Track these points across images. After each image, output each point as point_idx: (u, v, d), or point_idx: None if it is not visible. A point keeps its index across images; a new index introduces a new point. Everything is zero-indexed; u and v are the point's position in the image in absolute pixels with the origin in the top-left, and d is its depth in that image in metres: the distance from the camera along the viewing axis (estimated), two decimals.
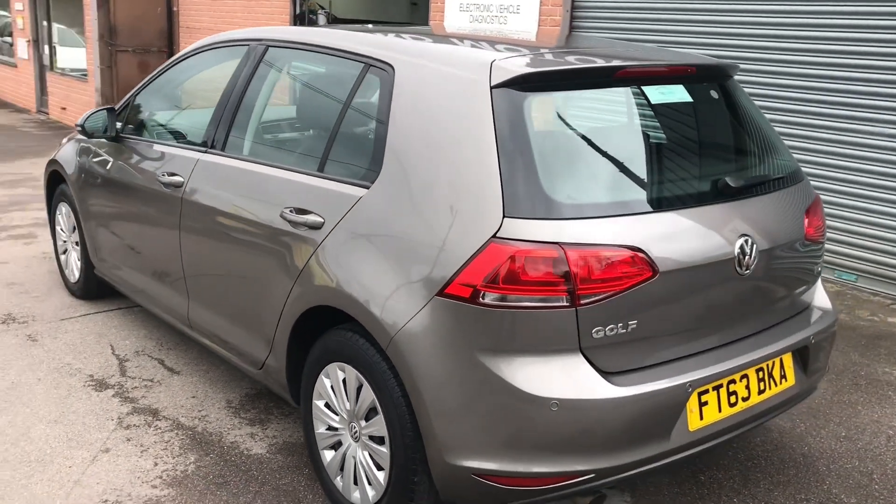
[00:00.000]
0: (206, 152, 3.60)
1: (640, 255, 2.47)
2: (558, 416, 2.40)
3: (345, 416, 2.90)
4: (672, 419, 2.56)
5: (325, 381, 2.95)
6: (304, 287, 2.94)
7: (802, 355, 3.00)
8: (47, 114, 14.79)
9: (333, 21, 11.58)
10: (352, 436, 2.89)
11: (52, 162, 5.03)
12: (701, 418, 2.65)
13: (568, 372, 2.43)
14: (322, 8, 11.30)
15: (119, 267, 4.43)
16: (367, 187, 2.79)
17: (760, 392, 2.84)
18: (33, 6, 15.12)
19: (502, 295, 2.39)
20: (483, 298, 2.40)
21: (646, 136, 2.91)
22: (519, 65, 2.62)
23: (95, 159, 4.49)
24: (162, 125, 4.17)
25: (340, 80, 3.14)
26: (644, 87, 2.85)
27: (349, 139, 3.00)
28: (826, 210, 5.88)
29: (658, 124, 2.88)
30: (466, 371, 2.45)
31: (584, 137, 2.69)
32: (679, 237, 2.58)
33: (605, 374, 2.48)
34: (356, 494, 2.89)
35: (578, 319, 2.41)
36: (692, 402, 2.62)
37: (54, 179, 5.09)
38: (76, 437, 3.50)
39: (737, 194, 2.76)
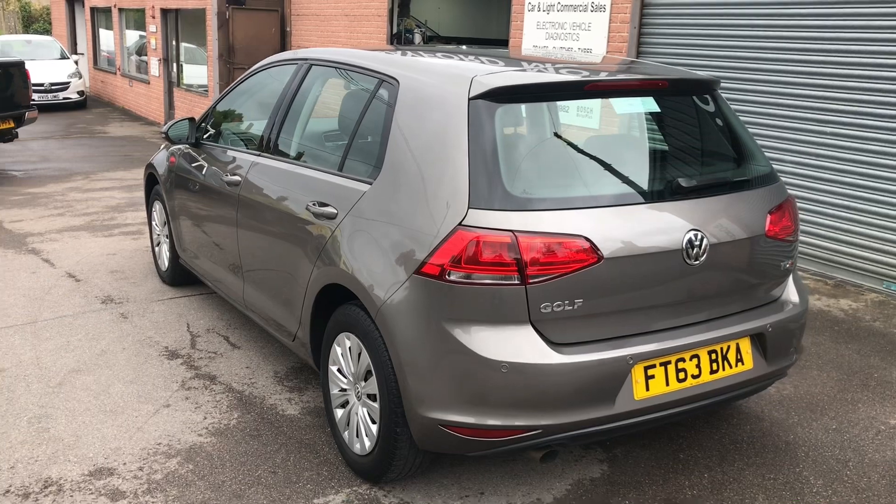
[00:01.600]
0: (258, 155, 4.21)
1: (586, 243, 2.86)
2: (507, 377, 2.83)
3: (350, 379, 3.41)
4: (615, 387, 2.94)
5: (336, 349, 3.47)
6: (321, 269, 3.47)
7: (761, 342, 3.30)
8: None
9: (429, 40, 12.20)
10: (355, 395, 3.39)
11: (149, 166, 5.80)
12: (647, 389, 3.01)
13: (518, 340, 2.85)
14: (418, 27, 11.95)
15: (196, 256, 5.10)
16: (371, 183, 3.30)
17: (713, 372, 3.16)
18: (165, 28, 16.50)
19: (464, 273, 2.84)
20: (449, 276, 2.85)
21: (603, 142, 3.29)
22: (496, 80, 3.07)
23: (181, 163, 5.20)
24: (231, 132, 4.82)
25: (361, 92, 3.67)
26: (612, 99, 3.23)
27: (363, 142, 3.51)
28: (876, 222, 5.99)
29: (619, 132, 3.26)
30: (434, 337, 2.91)
31: (545, 142, 3.12)
32: (625, 229, 2.95)
33: (554, 344, 2.89)
34: (357, 445, 3.38)
35: (528, 296, 2.83)
36: (638, 374, 2.99)
37: (150, 181, 5.86)
38: (145, 395, 4.15)
39: (689, 193, 3.11)
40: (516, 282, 2.82)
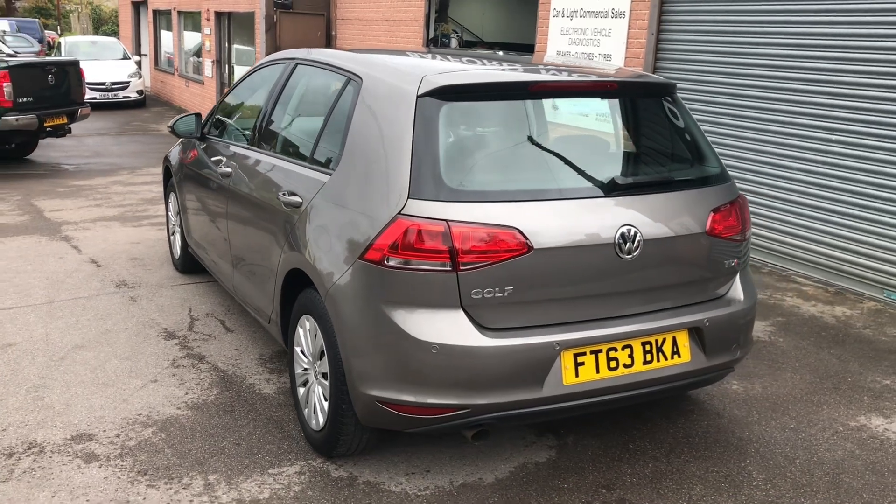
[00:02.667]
0: (247, 149, 4.47)
1: (517, 234, 3.03)
2: (437, 357, 3.01)
3: (310, 359, 3.63)
4: (542, 372, 3.09)
5: (300, 331, 3.69)
6: (287, 254, 3.70)
7: (699, 336, 3.41)
8: None
9: (467, 45, 12.39)
10: (313, 374, 3.60)
11: (165, 159, 6.13)
12: (576, 375, 3.16)
13: (448, 323, 3.03)
14: (455, 32, 12.16)
15: (200, 245, 5.39)
16: (331, 174, 3.52)
17: (647, 362, 3.29)
18: (218, 30, 17.06)
19: (401, 259, 3.03)
20: (388, 262, 3.05)
21: (545, 140, 3.45)
22: (444, 79, 3.26)
23: (189, 156, 5.51)
24: (228, 127, 5.10)
25: (333, 89, 3.89)
26: (557, 100, 3.39)
27: (329, 135, 3.73)
28: (880, 231, 5.98)
29: (559, 130, 3.41)
30: (374, 319, 3.10)
31: (488, 138, 3.29)
32: (557, 222, 3.10)
33: (484, 328, 3.06)
34: (313, 421, 3.60)
35: (459, 282, 3.01)
36: (567, 361, 3.14)
37: (167, 174, 6.19)
38: (136, 370, 4.44)
39: (626, 190, 3.24)
40: (448, 268, 2.99)
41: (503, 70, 3.55)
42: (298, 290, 3.73)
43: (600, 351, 3.21)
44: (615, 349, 3.23)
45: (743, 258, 3.63)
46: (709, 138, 7.31)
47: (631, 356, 3.26)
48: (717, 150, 7.16)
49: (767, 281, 6.44)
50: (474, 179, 3.16)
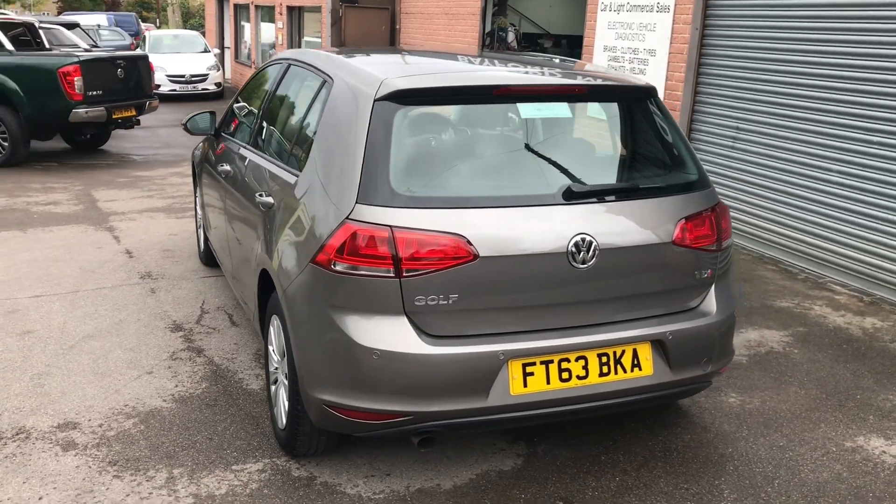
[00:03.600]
0: (244, 147, 4.54)
1: (462, 241, 2.99)
2: (379, 363, 3.00)
3: (278, 357, 3.67)
4: (487, 381, 3.04)
5: (271, 330, 3.74)
6: (259, 255, 3.75)
7: (663, 349, 3.30)
8: None
9: (525, 38, 12.27)
10: (281, 373, 3.64)
11: (192, 155, 6.28)
12: (525, 386, 3.10)
13: (391, 329, 3.01)
14: (512, 25, 12.06)
15: (211, 238, 5.52)
16: (298, 176, 3.54)
17: (603, 375, 3.20)
18: (290, 24, 17.38)
19: (347, 264, 3.03)
20: (335, 266, 3.05)
21: (502, 145, 3.38)
22: (403, 82, 3.23)
23: (206, 152, 5.64)
24: (235, 125, 5.19)
25: (312, 90, 3.91)
26: (521, 104, 3.32)
27: (303, 137, 3.75)
28: None
29: (519, 136, 3.35)
30: (320, 322, 3.11)
31: (442, 143, 3.25)
32: (506, 230, 3.04)
33: (428, 335, 3.03)
34: (279, 420, 3.64)
35: (402, 289, 2.99)
36: (514, 371, 3.08)
37: (194, 168, 6.35)
38: (136, 362, 4.58)
39: (583, 198, 3.16)
40: (391, 275, 2.98)
41: (470, 73, 3.50)
42: (271, 289, 3.78)
43: (551, 362, 3.14)
44: (568, 360, 3.16)
45: (722, 268, 3.49)
46: (748, 136, 7.08)
47: (585, 368, 3.18)
48: (756, 149, 6.96)
49: (799, 288, 6.18)
50: (423, 185, 3.13)
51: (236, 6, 22.62)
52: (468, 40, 12.02)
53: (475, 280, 3.02)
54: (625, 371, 3.24)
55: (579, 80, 3.45)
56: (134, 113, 12.19)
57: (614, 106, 3.52)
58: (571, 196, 3.15)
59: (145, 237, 7.24)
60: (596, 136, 3.51)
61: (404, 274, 2.97)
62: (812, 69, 6.50)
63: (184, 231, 7.46)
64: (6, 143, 11.03)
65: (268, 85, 4.58)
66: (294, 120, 3.99)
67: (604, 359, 3.21)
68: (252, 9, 20.30)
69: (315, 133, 3.52)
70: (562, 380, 3.15)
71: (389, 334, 3.01)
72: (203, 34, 27.73)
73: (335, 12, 14.59)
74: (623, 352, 3.24)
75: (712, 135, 7.64)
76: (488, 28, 11.91)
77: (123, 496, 3.33)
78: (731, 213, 7.42)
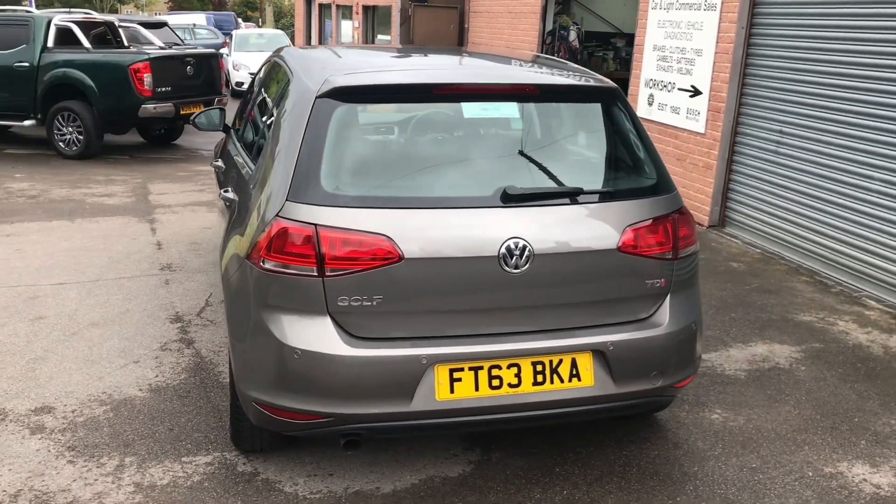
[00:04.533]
0: (235, 144, 4.60)
1: (387, 242, 2.93)
2: (300, 362, 2.98)
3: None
4: (410, 386, 2.98)
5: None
6: (220, 251, 3.78)
7: (605, 360, 3.16)
8: None
9: (588, 38, 12.05)
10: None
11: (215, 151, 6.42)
12: (451, 392, 3.02)
13: (314, 329, 2.99)
14: (576, 24, 11.86)
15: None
16: (252, 171, 3.56)
17: (537, 384, 3.09)
18: (365, 23, 17.59)
19: (274, 262, 3.01)
20: (263, 264, 3.05)
21: (439, 145, 3.29)
22: (344, 80, 3.20)
23: (216, 149, 5.74)
24: (237, 122, 5.26)
25: (280, 88, 3.92)
26: (465, 104, 3.24)
27: (262, 132, 3.77)
28: None
29: (460, 136, 3.26)
30: (250, 320, 3.11)
31: (378, 142, 3.20)
32: (434, 232, 2.97)
33: (353, 336, 2.99)
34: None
35: (325, 288, 2.96)
36: (441, 376, 3.01)
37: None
38: (127, 351, 4.70)
39: (519, 201, 3.05)
40: (314, 274, 2.95)
41: (418, 72, 3.44)
42: None
43: (481, 368, 3.05)
44: (499, 367, 3.06)
45: (681, 278, 3.32)
46: (792, 140, 6.74)
47: (518, 376, 3.08)
48: (798, 154, 6.62)
49: (828, 302, 5.84)
50: (353, 184, 3.09)
51: (321, 5, 23.06)
52: (529, 39, 11.89)
53: (400, 282, 2.96)
54: (562, 381, 3.12)
55: (530, 80, 3.34)
56: (202, 109, 12.53)
57: (568, 107, 3.39)
58: (509, 199, 3.05)
59: (180, 230, 7.44)
60: (547, 137, 3.39)
61: (327, 274, 2.94)
62: (860, 70, 6.14)
63: (217, 225, 7.63)
64: (81, 137, 11.53)
65: (257, 83, 4.62)
66: (262, 117, 4.01)
67: (538, 367, 3.10)
68: (333, 8, 20.65)
69: (270, 129, 3.53)
70: (492, 387, 3.06)
71: (311, 334, 2.98)
72: (292, 33, 28.39)
73: (404, 11, 14.68)
74: (560, 361, 3.12)
75: (756, 138, 7.31)
76: (550, 27, 11.75)
77: (70, 481, 3.41)
78: (770, 219, 7.09)
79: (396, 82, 3.26)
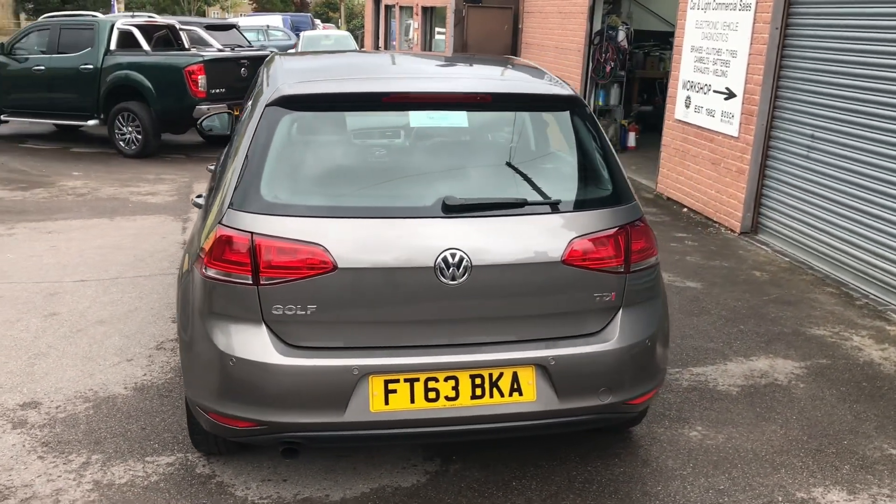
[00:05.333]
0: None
1: (321, 251, 2.93)
2: (235, 370, 3.01)
3: None
4: (343, 396, 2.97)
5: None
6: None
7: (549, 375, 3.09)
8: None
9: (637, 38, 11.81)
10: None
11: None
12: (386, 404, 3.00)
13: (249, 336, 3.01)
14: (625, 24, 11.65)
15: None
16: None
17: (476, 397, 3.04)
18: (423, 23, 17.65)
19: (214, 269, 3.05)
20: (206, 271, 3.09)
21: (381, 154, 3.26)
22: (294, 88, 3.22)
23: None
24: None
25: (256, 95, 3.95)
26: (412, 112, 3.21)
27: (233, 140, 3.81)
28: None
29: (406, 145, 3.23)
30: (193, 325, 3.16)
31: (322, 150, 3.19)
32: (369, 242, 2.95)
33: (289, 345, 3.00)
34: None
35: (260, 296, 2.98)
36: (376, 387, 2.99)
37: None
38: (124, 349, 4.82)
39: (459, 212, 3.01)
40: (249, 282, 2.97)
41: (370, 79, 3.42)
42: None
43: (417, 380, 3.02)
44: (436, 380, 3.03)
45: (635, 292, 3.22)
46: (824, 146, 6.47)
47: (456, 389, 3.04)
48: (830, 160, 6.34)
49: (849, 315, 5.59)
50: (292, 192, 3.10)
51: (387, 6, 23.25)
52: (576, 39, 11.73)
53: (334, 292, 2.96)
54: (502, 395, 3.07)
55: (483, 88, 3.29)
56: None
57: (522, 115, 3.33)
58: (449, 209, 3.02)
59: None
60: (498, 146, 3.34)
61: (262, 282, 2.96)
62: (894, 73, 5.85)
63: None
64: (139, 136, 11.90)
65: (249, 91, 4.67)
66: (238, 125, 4.06)
67: (477, 381, 3.05)
68: (397, 9, 20.80)
69: (236, 137, 3.57)
70: (428, 400, 3.03)
71: (247, 342, 3.01)
72: (363, 34, 28.75)
73: (458, 12, 14.66)
74: (500, 375, 3.06)
75: (789, 142, 7.04)
76: (598, 27, 11.56)
77: (34, 476, 3.52)
78: (801, 227, 6.82)
79: (345, 91, 3.26)
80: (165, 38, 13.80)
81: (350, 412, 2.99)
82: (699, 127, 8.30)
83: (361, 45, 30.06)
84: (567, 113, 3.35)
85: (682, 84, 8.66)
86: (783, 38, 7.06)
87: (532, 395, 3.09)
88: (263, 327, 3.00)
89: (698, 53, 8.28)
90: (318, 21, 46.53)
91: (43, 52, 12.58)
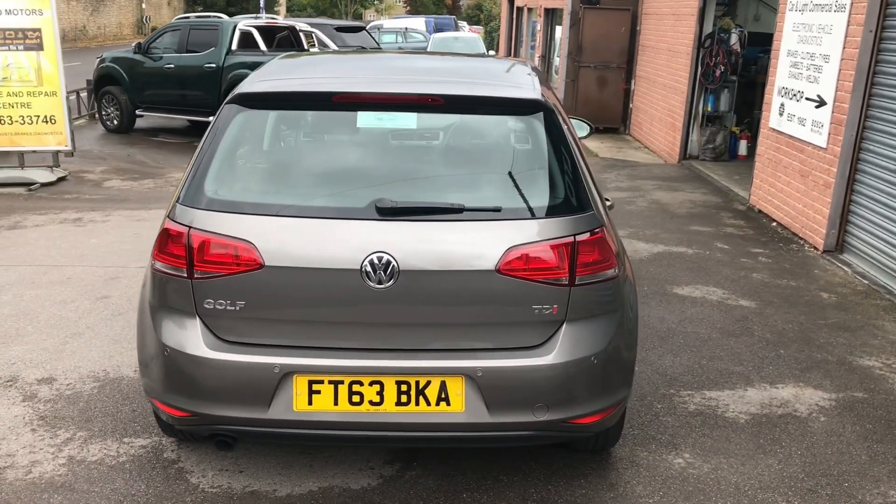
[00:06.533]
0: None
1: (250, 248, 2.96)
2: (169, 360, 3.08)
3: None
4: (265, 393, 2.98)
5: None
6: None
7: (478, 387, 2.98)
8: None
9: (750, 42, 11.22)
10: None
11: None
12: (309, 404, 2.99)
13: (183, 329, 3.07)
14: (739, 27, 11.09)
15: None
16: None
17: (401, 404, 2.98)
18: (545, 25, 17.47)
19: (159, 261, 3.14)
20: (154, 263, 3.18)
21: (323, 154, 3.23)
22: (250, 87, 3.27)
23: None
24: None
25: None
26: (360, 113, 3.19)
27: None
28: None
29: (349, 145, 3.19)
30: (143, 314, 3.26)
31: (267, 149, 3.21)
32: (298, 241, 2.95)
33: (221, 339, 3.05)
34: None
35: (194, 290, 3.04)
36: (300, 387, 2.99)
37: None
38: (119, 334, 5.02)
39: (390, 215, 2.95)
40: (184, 275, 3.04)
41: (325, 79, 3.41)
42: None
43: (341, 383, 2.99)
44: (361, 384, 2.99)
45: (584, 305, 3.05)
46: None
47: (380, 394, 2.99)
48: None
49: None
50: (232, 189, 3.13)
51: (517, 8, 23.19)
52: (686, 42, 11.27)
53: (261, 289, 2.98)
54: (428, 404, 2.99)
55: (435, 91, 3.20)
56: None
57: (477, 119, 3.23)
58: (382, 212, 2.97)
59: None
60: (446, 150, 3.25)
61: (196, 276, 3.02)
62: None
63: None
64: None
65: None
66: None
67: (403, 387, 2.99)
68: (525, 11, 20.70)
69: None
70: (352, 403, 2.99)
71: (180, 334, 3.07)
72: (498, 36, 28.84)
73: (574, 14, 14.41)
74: (428, 383, 2.99)
75: (880, 155, 6.48)
76: (709, 29, 11.05)
77: (20, 448, 3.74)
78: (886, 248, 6.27)
79: (296, 90, 3.27)
80: (287, 39, 14.36)
81: (274, 410, 3.00)
82: (790, 136, 7.79)
83: (496, 47, 30.12)
84: (529, 118, 3.22)
85: (778, 90, 8.15)
86: (878, 41, 6.51)
87: (460, 406, 2.99)
88: (197, 320, 3.06)
89: (793, 58, 7.77)
90: (463, 23, 47.02)
91: (174, 52, 13.37)
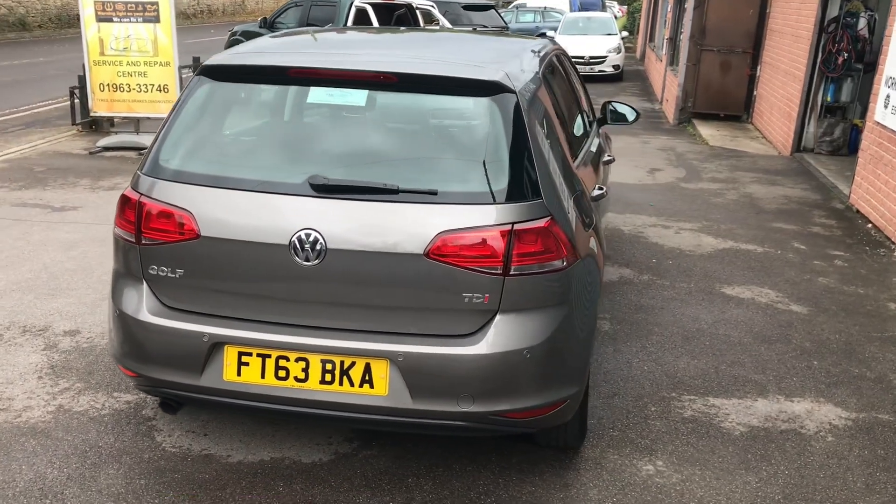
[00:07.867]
0: None
1: (189, 217, 3.03)
2: (119, 321, 3.21)
3: None
4: (197, 361, 3.04)
5: None
6: None
7: (400, 372, 2.93)
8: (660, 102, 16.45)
9: (874, 25, 10.34)
10: None
11: None
12: (238, 375, 3.03)
13: (132, 293, 3.18)
14: (869, 11, 10.26)
15: None
16: None
17: (325, 382, 2.98)
18: (675, 6, 16.76)
19: (117, 227, 3.26)
20: (115, 228, 3.31)
21: (271, 128, 3.22)
22: (217, 60, 3.33)
23: None
24: None
25: None
26: (312, 88, 3.18)
27: None
28: None
29: (297, 120, 3.18)
30: (111, 278, 3.40)
31: (220, 121, 3.24)
32: (233, 214, 2.98)
33: (164, 305, 3.14)
34: None
35: (141, 255, 3.14)
36: (230, 357, 3.03)
37: None
38: None
39: (322, 192, 2.93)
40: (133, 240, 3.15)
41: (284, 53, 3.42)
42: None
43: (269, 356, 3.01)
44: (287, 359, 3.00)
45: (520, 296, 2.93)
46: None
47: (306, 371, 2.99)
48: None
49: None
50: (181, 159, 3.18)
51: None
52: (806, 26, 10.53)
53: (197, 258, 3.04)
54: (352, 385, 2.97)
55: (389, 68, 3.14)
56: None
57: (430, 98, 3.15)
58: (316, 189, 2.96)
59: None
60: (393, 129, 3.18)
61: (143, 242, 3.12)
62: None
63: None
64: None
65: None
66: None
67: (328, 366, 2.97)
68: None
69: None
70: (278, 377, 3.01)
71: (129, 298, 3.18)
72: (639, 17, 27.96)
73: None
74: (353, 364, 2.96)
75: None
76: (835, 13, 10.26)
77: (21, 392, 4.00)
78: None
79: (254, 63, 3.30)
80: (405, 17, 14.51)
81: (206, 377, 3.07)
82: (893, 131, 7.15)
83: (636, 29, 29.21)
84: (486, 99, 3.10)
85: (886, 81, 7.49)
86: None
87: (384, 389, 2.95)
88: (144, 285, 3.16)
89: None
90: (613, 3, 45.73)
91: (296, 26, 13.79)
